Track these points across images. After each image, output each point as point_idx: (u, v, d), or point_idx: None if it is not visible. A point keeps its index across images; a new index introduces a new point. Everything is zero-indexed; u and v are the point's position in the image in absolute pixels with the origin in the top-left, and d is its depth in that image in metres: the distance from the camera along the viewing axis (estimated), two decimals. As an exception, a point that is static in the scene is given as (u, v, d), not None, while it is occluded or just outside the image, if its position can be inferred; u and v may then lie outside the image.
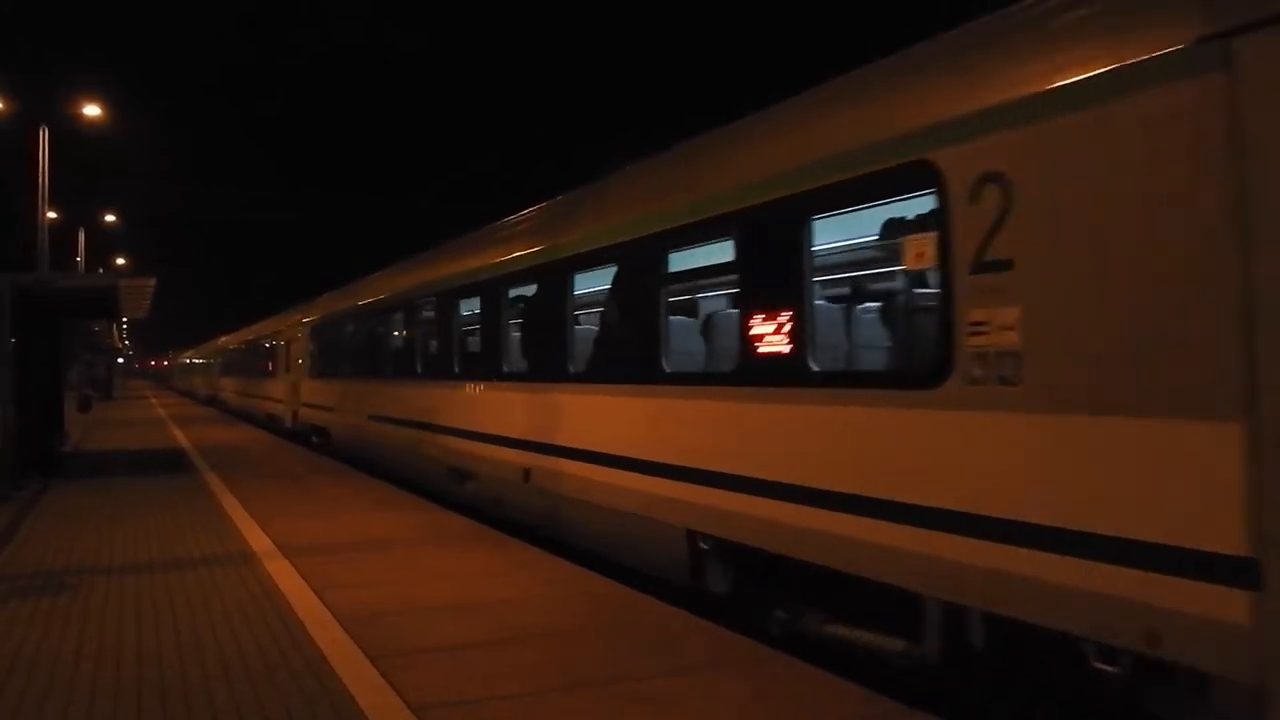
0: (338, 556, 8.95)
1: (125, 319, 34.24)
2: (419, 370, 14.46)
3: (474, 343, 12.34)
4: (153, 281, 16.63)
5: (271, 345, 30.24)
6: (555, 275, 9.89)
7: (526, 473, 10.33)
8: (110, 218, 49.72)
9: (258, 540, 9.83)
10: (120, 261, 59.69)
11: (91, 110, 31.44)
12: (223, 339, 51.43)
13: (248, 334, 39.05)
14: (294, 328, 25.97)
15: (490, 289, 11.58)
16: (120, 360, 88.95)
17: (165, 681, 5.45)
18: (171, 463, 18.26)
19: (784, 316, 6.39)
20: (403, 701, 5.04)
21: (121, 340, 69.89)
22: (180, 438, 24.97)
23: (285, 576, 8.13)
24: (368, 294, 18.26)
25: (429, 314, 14.10)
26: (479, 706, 4.99)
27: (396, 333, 16.10)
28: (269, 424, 29.46)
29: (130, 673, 5.63)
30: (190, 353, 79.61)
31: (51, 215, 33.30)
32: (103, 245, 56.07)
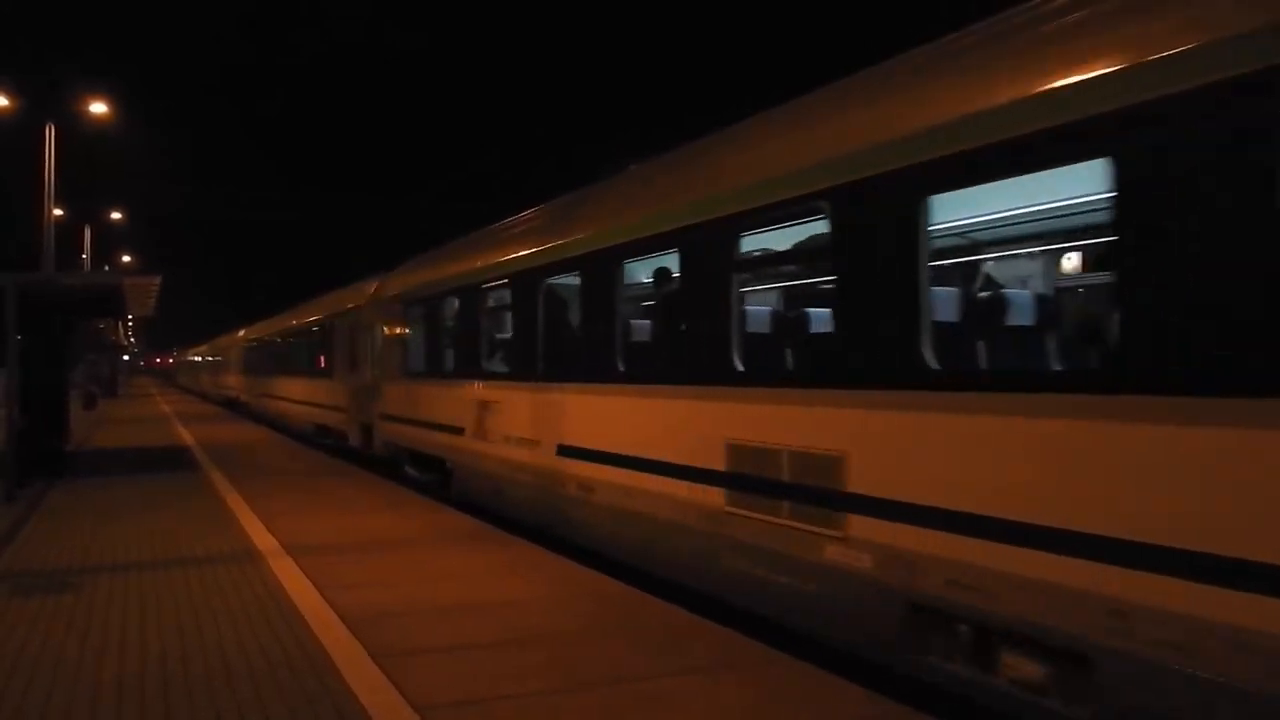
0: (343, 556, 8.94)
1: (130, 317, 34.22)
2: (782, 366, 7.34)
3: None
4: (158, 279, 16.63)
5: (321, 335, 23.44)
6: None
7: None
8: (116, 215, 49.77)
9: (263, 539, 9.82)
10: (126, 259, 59.80)
11: (98, 108, 31.47)
12: (242, 332, 43.67)
13: (281, 322, 31.34)
14: (363, 309, 18.80)
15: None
16: (125, 358, 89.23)
17: (168, 680, 5.45)
18: (176, 461, 18.27)
19: None
20: (406, 701, 5.03)
21: (127, 338, 70.01)
22: (185, 436, 24.98)
23: (290, 576, 8.12)
24: (572, 235, 9.74)
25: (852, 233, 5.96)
26: (484, 707, 4.97)
27: (677, 298, 7.94)
28: (318, 438, 23.03)
29: (133, 671, 5.62)
30: (200, 348, 71.90)
31: (56, 213, 33.36)
32: (108, 244, 56.22)
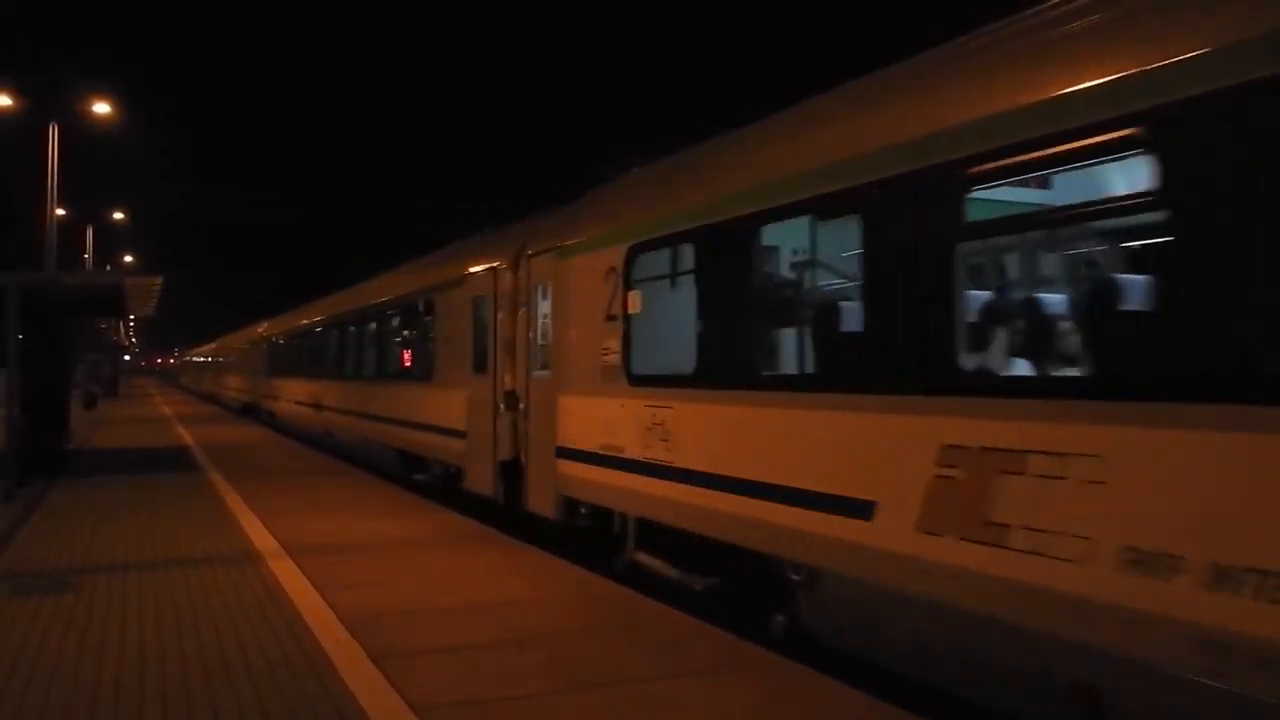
0: (342, 557, 8.93)
1: (131, 317, 34.18)
2: None
3: None
4: (159, 280, 16.65)
5: (407, 321, 16.52)
6: None
7: None
8: (118, 215, 49.81)
9: (262, 540, 9.81)
10: (128, 259, 59.82)
11: (101, 108, 31.49)
12: (264, 325, 34.96)
13: (333, 307, 23.48)
14: (502, 275, 11.89)
15: None
16: (126, 358, 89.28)
17: (167, 681, 5.44)
18: (176, 461, 18.26)
19: None
20: (405, 703, 5.02)
21: (128, 338, 69.96)
22: (185, 436, 24.98)
23: (289, 576, 8.11)
24: None
25: None
26: (482, 708, 4.96)
27: None
28: (404, 471, 16.02)
29: (132, 672, 5.61)
30: (211, 346, 60.51)
31: (59, 213, 33.38)
32: (109, 244, 56.23)
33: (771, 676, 5.42)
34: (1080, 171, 5.10)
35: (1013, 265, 6.40)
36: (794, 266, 7.64)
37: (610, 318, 8.97)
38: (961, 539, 5.02)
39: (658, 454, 8.01)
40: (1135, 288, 4.80)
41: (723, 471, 7.17)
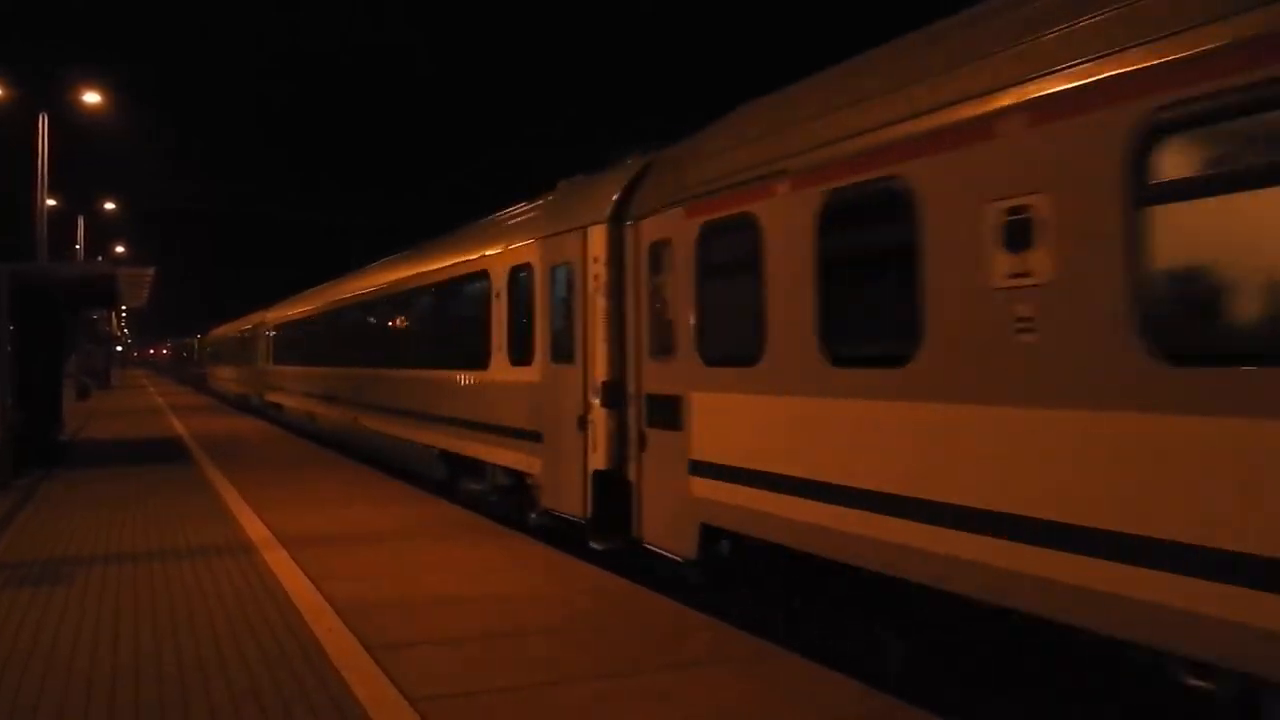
0: (337, 547, 8.93)
1: (124, 308, 34.14)
2: None
3: None
4: (151, 271, 16.62)
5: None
6: None
7: None
8: (109, 205, 49.58)
9: (255, 530, 9.81)
10: (119, 250, 59.54)
11: (91, 98, 31.28)
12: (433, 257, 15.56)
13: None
14: None
15: None
16: (119, 349, 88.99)
17: (161, 670, 5.44)
18: (169, 452, 18.23)
19: None
20: (399, 693, 5.03)
21: (120, 329, 69.71)
22: (178, 426, 24.94)
23: (283, 567, 8.11)
24: None
25: None
26: (476, 699, 4.97)
27: None
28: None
29: (126, 661, 5.61)
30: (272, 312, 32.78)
31: (50, 203, 33.20)
32: (101, 234, 55.96)
33: (765, 668, 5.44)
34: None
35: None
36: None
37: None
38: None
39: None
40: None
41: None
